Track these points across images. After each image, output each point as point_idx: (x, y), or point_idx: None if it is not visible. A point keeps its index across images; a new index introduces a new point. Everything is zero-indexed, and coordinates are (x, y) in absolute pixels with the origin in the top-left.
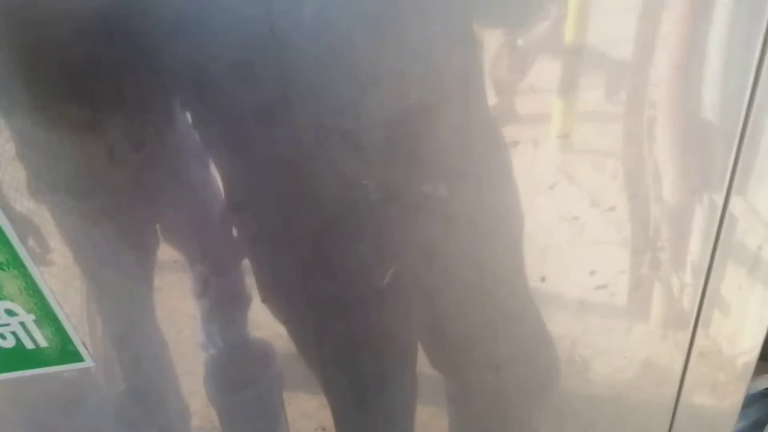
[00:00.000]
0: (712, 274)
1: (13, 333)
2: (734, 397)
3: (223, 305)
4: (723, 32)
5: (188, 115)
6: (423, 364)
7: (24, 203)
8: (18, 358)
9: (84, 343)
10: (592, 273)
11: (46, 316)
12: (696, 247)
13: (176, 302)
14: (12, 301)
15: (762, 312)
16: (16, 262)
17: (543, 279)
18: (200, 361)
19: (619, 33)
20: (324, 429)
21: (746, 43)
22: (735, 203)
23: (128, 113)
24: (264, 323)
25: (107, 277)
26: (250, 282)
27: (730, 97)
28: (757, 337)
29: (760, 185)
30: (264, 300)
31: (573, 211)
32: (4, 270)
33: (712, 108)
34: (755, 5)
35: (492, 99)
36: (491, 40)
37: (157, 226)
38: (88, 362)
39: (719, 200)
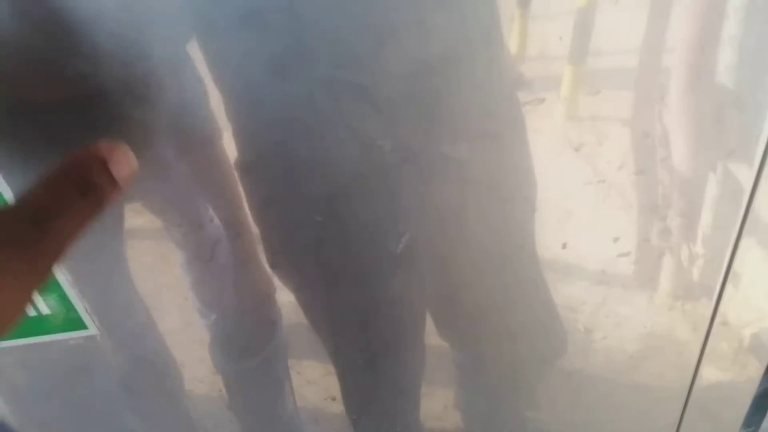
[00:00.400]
0: (740, 244)
1: None
2: (754, 370)
3: (230, 270)
4: None
5: (193, 68)
6: (431, 333)
7: (22, 165)
8: (21, 324)
9: (88, 311)
10: (616, 240)
11: (49, 283)
12: (724, 216)
13: (181, 269)
14: None
15: None
16: None
17: (564, 246)
18: (206, 328)
19: None
20: (333, 399)
21: None
22: (766, 176)
23: (128, 64)
24: (271, 290)
25: (109, 243)
26: (259, 247)
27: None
28: None
29: None
30: (273, 266)
31: (599, 174)
32: None
33: (733, 73)
34: None
35: (517, 52)
36: None
37: (162, 186)
38: (92, 330)
39: (752, 168)
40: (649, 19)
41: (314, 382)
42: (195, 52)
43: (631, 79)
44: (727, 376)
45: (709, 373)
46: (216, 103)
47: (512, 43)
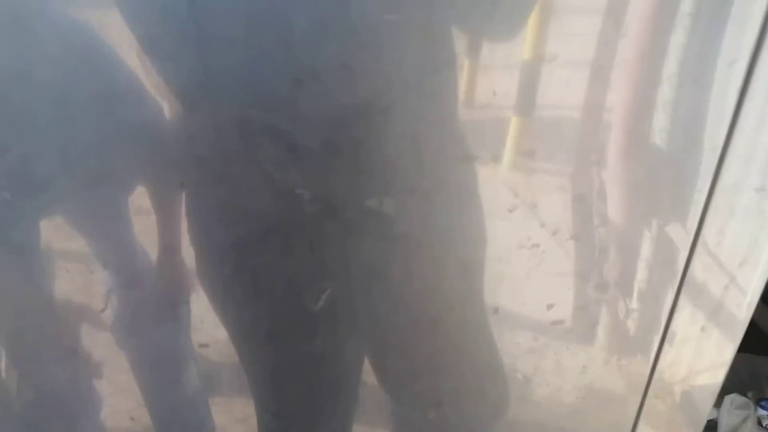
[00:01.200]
0: (675, 313)
1: None
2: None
3: (129, 321)
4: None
5: (85, 100)
6: (370, 384)
7: None
8: None
9: None
10: (550, 307)
11: None
12: (660, 285)
13: (78, 310)
14: None
15: (721, 352)
16: None
17: (496, 310)
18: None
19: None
20: None
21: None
22: (702, 242)
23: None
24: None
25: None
26: (160, 298)
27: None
28: (715, 377)
29: (721, 219)
30: (174, 320)
31: (533, 238)
32: None
33: (667, 137)
34: (711, 36)
35: (450, 105)
36: (453, 41)
37: (51, 222)
38: None
39: (686, 229)
40: (589, 82)
41: (243, 420)
42: (85, 79)
43: (569, 140)
44: None
45: None
46: (112, 136)
47: (446, 94)
